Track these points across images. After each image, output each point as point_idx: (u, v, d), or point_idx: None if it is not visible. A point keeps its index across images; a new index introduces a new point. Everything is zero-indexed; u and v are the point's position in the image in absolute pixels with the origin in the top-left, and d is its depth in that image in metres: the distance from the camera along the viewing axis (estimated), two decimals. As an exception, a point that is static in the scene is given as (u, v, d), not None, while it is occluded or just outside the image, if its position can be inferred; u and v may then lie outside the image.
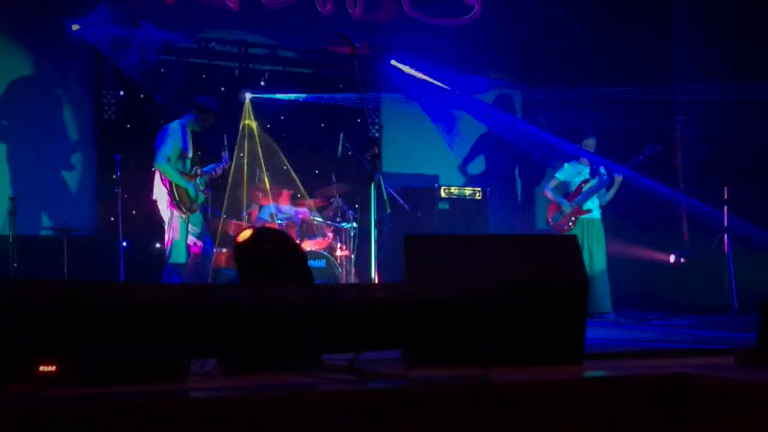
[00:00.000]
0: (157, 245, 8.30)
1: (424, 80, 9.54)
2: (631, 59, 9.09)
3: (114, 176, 7.77)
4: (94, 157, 8.70)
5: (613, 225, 8.07)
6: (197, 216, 7.20)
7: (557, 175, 7.96)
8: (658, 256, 8.69)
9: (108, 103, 8.66)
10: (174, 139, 7.00)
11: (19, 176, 8.31)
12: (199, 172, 7.14)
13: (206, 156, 7.73)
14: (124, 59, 8.46)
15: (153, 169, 7.17)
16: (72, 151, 8.65)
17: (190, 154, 7.14)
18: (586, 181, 7.71)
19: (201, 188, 7.16)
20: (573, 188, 7.79)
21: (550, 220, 7.90)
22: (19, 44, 8.52)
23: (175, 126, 7.11)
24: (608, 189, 7.64)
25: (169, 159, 6.97)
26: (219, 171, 7.48)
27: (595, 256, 7.58)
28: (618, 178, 7.57)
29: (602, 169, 7.73)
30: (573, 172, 7.85)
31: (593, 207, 7.72)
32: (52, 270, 7.47)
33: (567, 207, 7.69)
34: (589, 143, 7.84)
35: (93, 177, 8.66)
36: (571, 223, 7.67)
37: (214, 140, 7.76)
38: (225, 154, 7.61)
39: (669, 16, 9.07)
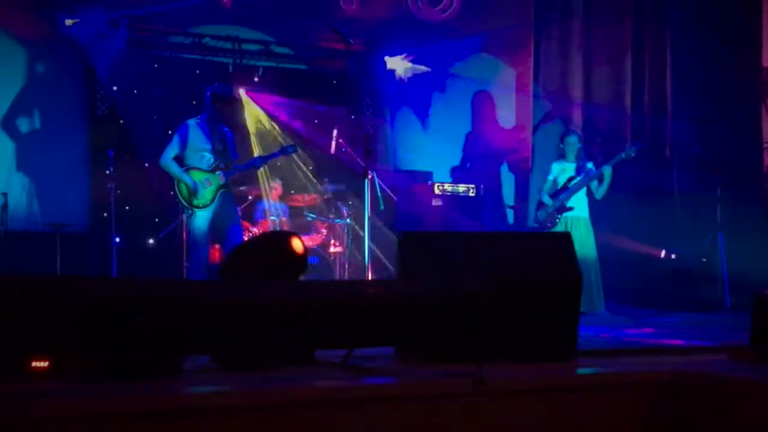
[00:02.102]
0: (151, 241, 8.28)
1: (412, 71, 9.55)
2: (625, 51, 9.11)
3: (107, 172, 7.75)
4: (86, 152, 8.66)
5: (607, 218, 8.07)
6: (204, 213, 6.88)
7: (548, 177, 7.93)
8: (649, 250, 8.68)
9: (101, 98, 8.62)
10: (179, 136, 6.88)
11: (10, 172, 8.28)
12: (221, 166, 6.89)
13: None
14: (118, 55, 8.43)
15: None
16: (64, 146, 8.61)
17: (210, 148, 6.89)
18: (571, 179, 7.67)
19: (219, 184, 6.85)
20: (559, 186, 7.74)
21: (536, 218, 7.87)
22: (11, 38, 8.48)
23: (188, 122, 6.96)
24: (600, 183, 7.60)
25: (176, 157, 6.85)
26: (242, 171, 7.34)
27: (582, 254, 7.54)
28: (607, 172, 7.52)
29: (589, 165, 7.68)
30: (558, 170, 7.82)
31: (578, 204, 7.65)
32: (45, 266, 7.44)
33: (550, 205, 7.65)
34: (571, 140, 7.80)
35: (86, 173, 8.62)
36: (556, 221, 7.63)
37: None
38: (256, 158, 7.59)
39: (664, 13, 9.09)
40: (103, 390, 2.75)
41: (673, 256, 8.60)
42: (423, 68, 9.58)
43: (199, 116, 6.97)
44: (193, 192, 6.81)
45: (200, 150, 6.87)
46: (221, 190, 6.88)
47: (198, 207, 6.82)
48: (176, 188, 6.86)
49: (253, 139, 9.23)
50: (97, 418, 2.56)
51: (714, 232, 8.21)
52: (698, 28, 8.77)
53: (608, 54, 9.27)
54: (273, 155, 7.48)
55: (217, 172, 6.87)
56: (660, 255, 8.65)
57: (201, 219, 6.84)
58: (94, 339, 3.01)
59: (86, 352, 3.02)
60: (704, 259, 8.38)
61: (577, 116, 9.30)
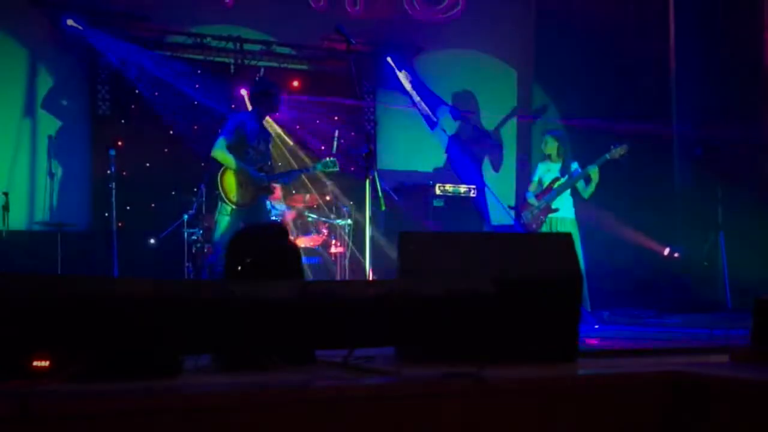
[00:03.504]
0: (152, 240, 8.28)
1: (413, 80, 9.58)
2: (628, 52, 9.11)
3: (108, 171, 7.74)
4: (88, 152, 8.67)
5: (607, 218, 8.06)
6: (238, 212, 6.61)
7: (533, 177, 7.91)
8: (654, 245, 8.67)
9: (102, 98, 8.63)
10: (234, 126, 6.59)
11: (12, 171, 8.29)
12: (266, 168, 6.69)
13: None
14: (119, 54, 8.44)
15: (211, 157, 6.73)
16: (66, 145, 8.62)
17: (255, 146, 6.66)
18: (556, 179, 7.64)
19: (258, 185, 6.64)
20: (544, 186, 7.71)
21: (521, 219, 7.84)
22: (13, 38, 8.48)
23: (238, 116, 6.77)
24: (587, 184, 7.57)
25: (228, 147, 6.55)
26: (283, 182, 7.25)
27: None
28: (593, 172, 7.47)
29: (574, 165, 7.64)
30: (543, 170, 7.79)
31: (563, 206, 7.61)
32: (46, 265, 7.44)
33: (536, 206, 7.63)
34: (550, 140, 7.76)
35: (87, 172, 8.63)
36: (540, 221, 7.60)
37: None
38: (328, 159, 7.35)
39: (666, 13, 9.10)
40: (104, 389, 2.75)
41: (676, 255, 8.59)
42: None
43: (247, 112, 6.83)
44: (237, 188, 6.57)
45: (247, 147, 6.64)
46: (261, 194, 6.71)
47: (235, 204, 6.58)
48: (221, 179, 6.58)
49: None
50: (97, 418, 2.56)
51: (715, 233, 8.21)
52: (701, 26, 8.77)
53: (609, 53, 9.26)
54: (304, 171, 7.38)
55: (261, 174, 6.66)
56: (664, 252, 8.64)
57: (235, 218, 6.59)
58: (94, 339, 3.01)
59: (87, 352, 3.02)
60: (705, 263, 8.37)
61: (581, 115, 9.28)
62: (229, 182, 6.58)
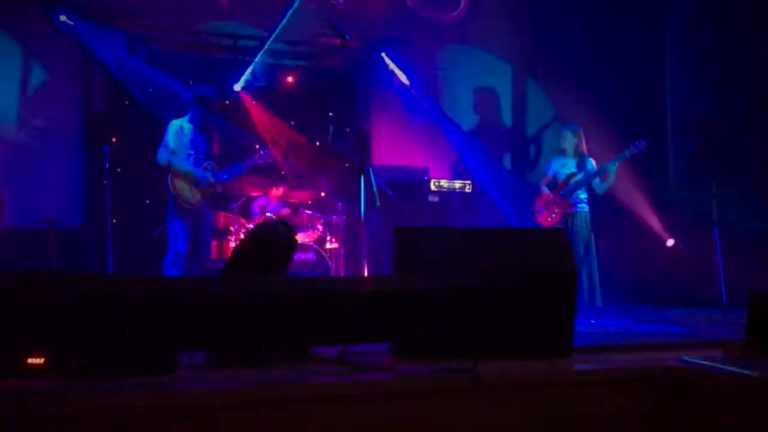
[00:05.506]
0: (146, 237, 8.26)
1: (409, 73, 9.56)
2: (623, 47, 9.11)
3: (102, 168, 7.72)
4: (82, 148, 8.64)
5: (605, 213, 8.07)
6: (189, 214, 7.00)
7: (547, 172, 7.93)
8: (661, 231, 8.67)
9: (96, 94, 8.60)
10: (172, 134, 6.97)
11: (5, 168, 8.26)
12: (208, 167, 7.03)
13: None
14: (114, 50, 8.41)
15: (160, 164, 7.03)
16: (60, 142, 8.59)
17: (197, 148, 7.05)
18: (572, 174, 7.66)
19: (204, 186, 6.99)
20: (559, 181, 7.74)
21: (535, 214, 7.87)
22: (6, 34, 8.45)
23: (176, 122, 7.07)
24: (602, 180, 7.59)
25: (173, 153, 6.91)
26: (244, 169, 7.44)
27: (583, 250, 7.53)
28: (612, 169, 7.50)
29: (590, 161, 7.67)
30: (559, 165, 7.81)
31: (579, 200, 7.65)
32: (40, 262, 7.43)
33: (551, 200, 7.65)
34: (568, 135, 7.77)
35: (81, 168, 8.60)
36: (554, 215, 7.62)
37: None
38: (262, 151, 7.62)
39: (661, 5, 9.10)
40: (99, 387, 2.75)
41: (681, 247, 8.60)
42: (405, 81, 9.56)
43: (185, 117, 7.06)
44: (189, 190, 6.86)
45: (187, 151, 6.97)
46: (208, 193, 7.01)
47: (190, 206, 6.91)
48: (172, 184, 6.89)
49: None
50: (93, 415, 2.56)
51: (710, 228, 8.21)
52: (697, 21, 8.76)
53: (608, 48, 9.26)
54: (252, 162, 7.46)
55: (207, 174, 6.96)
56: (667, 243, 8.64)
57: (186, 220, 6.92)
58: (89, 336, 3.00)
59: (82, 349, 3.02)
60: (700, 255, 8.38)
61: (577, 111, 9.28)
62: (180, 185, 6.90)
